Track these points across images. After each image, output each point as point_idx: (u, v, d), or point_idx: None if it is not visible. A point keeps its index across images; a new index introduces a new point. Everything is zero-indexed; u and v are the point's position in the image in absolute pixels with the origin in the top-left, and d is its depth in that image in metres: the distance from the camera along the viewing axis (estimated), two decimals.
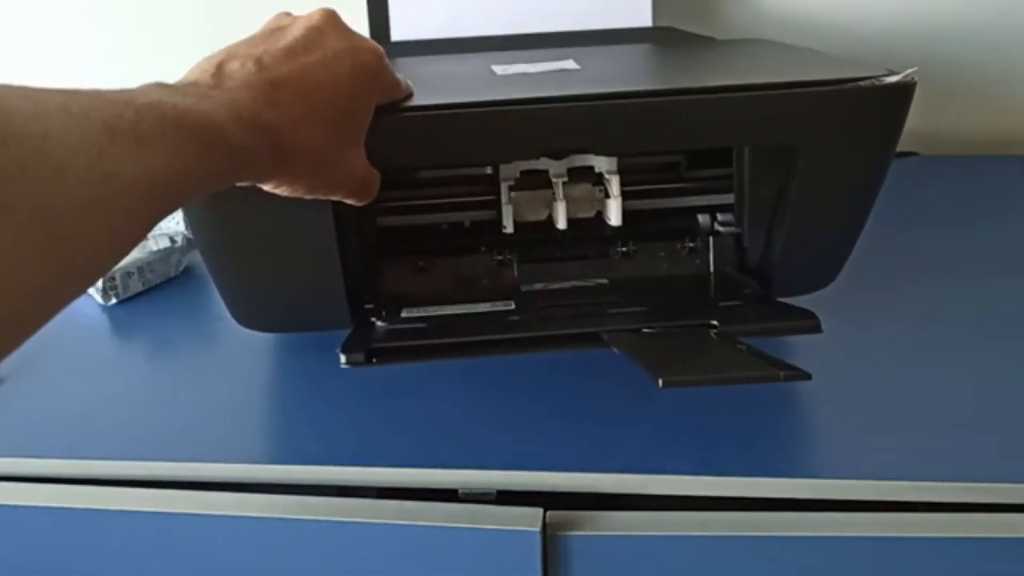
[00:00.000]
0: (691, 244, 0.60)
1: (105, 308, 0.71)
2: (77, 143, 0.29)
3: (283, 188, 0.44)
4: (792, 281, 0.59)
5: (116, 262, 0.33)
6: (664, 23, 0.76)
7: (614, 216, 0.56)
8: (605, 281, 0.60)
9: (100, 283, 0.66)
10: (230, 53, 0.42)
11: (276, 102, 0.40)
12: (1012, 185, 0.83)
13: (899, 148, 0.85)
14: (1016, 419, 0.58)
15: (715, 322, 0.50)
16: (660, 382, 0.41)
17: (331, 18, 0.46)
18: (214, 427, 0.60)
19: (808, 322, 0.50)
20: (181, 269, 0.74)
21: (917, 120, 0.92)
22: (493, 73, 0.58)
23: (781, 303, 0.55)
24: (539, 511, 0.53)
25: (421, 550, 0.54)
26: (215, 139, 0.37)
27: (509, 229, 0.57)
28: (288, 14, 0.47)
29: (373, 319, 0.55)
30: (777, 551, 0.53)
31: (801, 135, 0.51)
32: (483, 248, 0.60)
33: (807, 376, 0.42)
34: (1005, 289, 0.69)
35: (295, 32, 0.44)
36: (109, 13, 0.90)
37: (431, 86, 0.54)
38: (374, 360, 0.49)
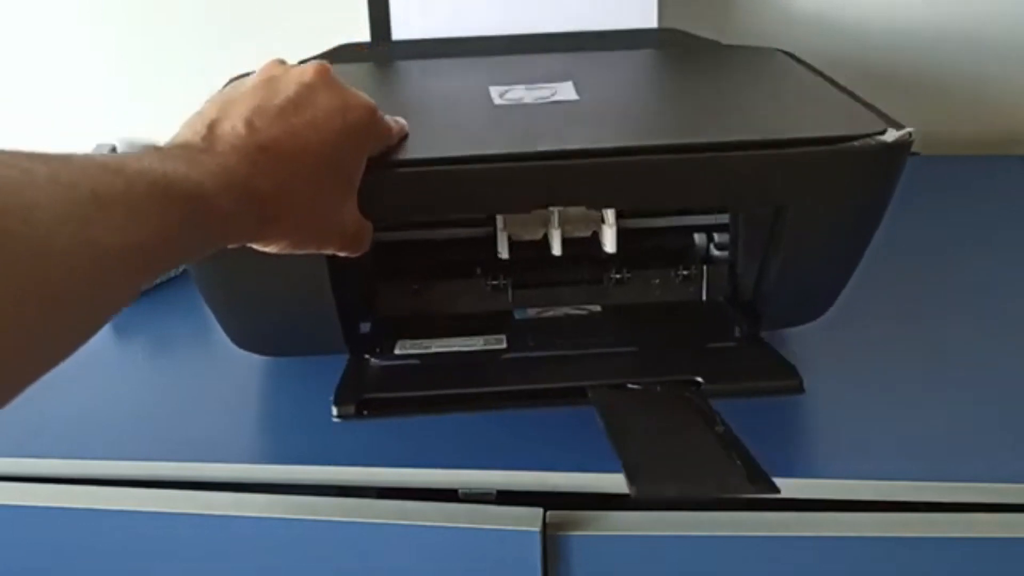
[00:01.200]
0: (685, 272, 0.60)
1: None
2: (64, 213, 0.30)
3: (271, 247, 0.44)
4: (783, 315, 0.59)
5: (101, 326, 0.34)
6: (670, 21, 0.75)
7: (609, 243, 0.56)
8: (598, 308, 0.60)
9: None
10: (222, 110, 0.42)
11: (264, 168, 0.40)
12: (1012, 185, 0.83)
13: None
14: (1016, 419, 0.58)
15: (699, 379, 0.50)
16: (632, 491, 0.42)
17: (323, 74, 0.45)
18: (214, 427, 0.60)
19: (790, 382, 0.50)
20: (181, 269, 0.74)
21: (917, 120, 0.92)
22: (491, 101, 0.57)
23: (767, 350, 0.54)
24: (539, 511, 0.53)
25: (421, 550, 0.54)
26: (203, 209, 0.37)
27: (504, 255, 0.58)
28: (282, 62, 0.47)
29: (367, 356, 0.55)
30: (777, 551, 0.53)
31: (794, 194, 0.51)
32: (478, 270, 0.60)
33: (776, 490, 0.43)
34: (1005, 289, 0.69)
35: (287, 90, 0.44)
36: (109, 13, 0.90)
37: (424, 122, 0.53)
38: (365, 413, 0.49)
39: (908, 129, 0.50)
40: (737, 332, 0.57)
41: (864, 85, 0.88)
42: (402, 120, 0.51)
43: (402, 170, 0.48)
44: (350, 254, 0.48)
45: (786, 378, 0.50)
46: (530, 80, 0.60)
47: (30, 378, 0.30)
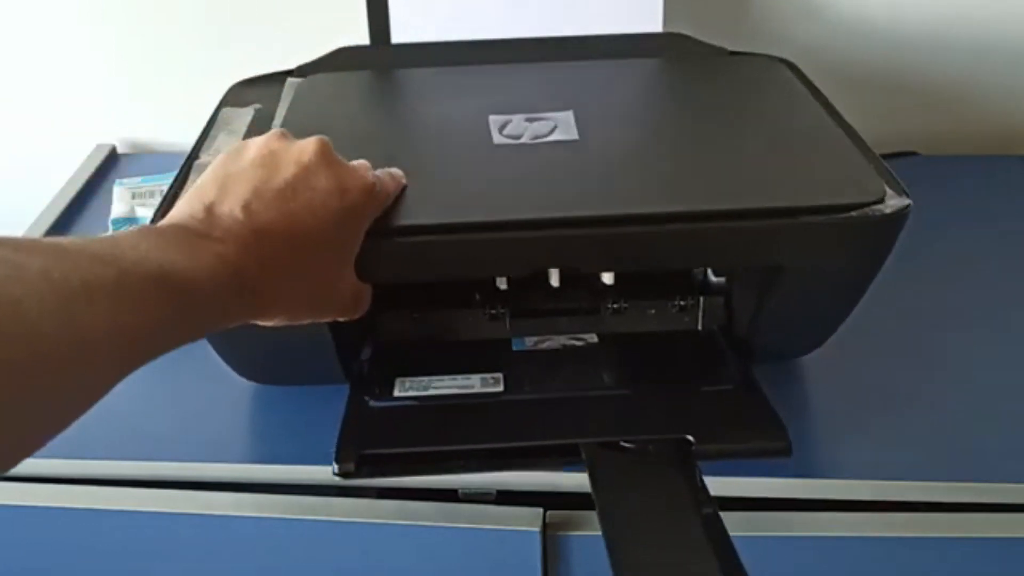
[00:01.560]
0: (681, 303, 0.60)
1: None
2: (52, 307, 0.31)
3: (268, 323, 0.45)
4: (776, 349, 0.59)
5: (86, 410, 0.34)
6: (675, 23, 0.75)
7: (607, 276, 0.56)
8: (595, 339, 0.60)
9: None
10: (221, 190, 0.42)
11: (260, 256, 0.41)
12: (1012, 185, 0.83)
13: (899, 148, 0.86)
14: (1016, 419, 0.58)
15: (690, 438, 0.50)
16: None
17: (322, 153, 0.45)
18: (214, 427, 0.60)
19: (778, 444, 0.50)
20: None
21: (917, 120, 0.92)
22: (490, 137, 0.57)
23: (760, 399, 0.54)
24: (539, 511, 0.53)
25: (421, 550, 0.54)
26: (199, 299, 0.38)
27: (503, 286, 0.58)
28: (284, 135, 0.47)
29: (367, 398, 0.55)
30: (777, 551, 0.53)
31: (791, 258, 0.51)
32: (477, 298, 0.60)
33: None
34: (1005, 289, 0.69)
35: (286, 171, 0.44)
36: (109, 13, 0.90)
37: (422, 170, 0.52)
38: (364, 471, 0.50)
39: (907, 201, 0.50)
40: (732, 366, 0.57)
41: (865, 85, 0.88)
42: (398, 173, 0.50)
43: (400, 239, 0.48)
44: (349, 318, 0.49)
45: (775, 440, 0.50)
46: (530, 106, 0.59)
47: (18, 459, 0.31)
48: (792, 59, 0.69)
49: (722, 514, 0.53)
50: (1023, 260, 0.73)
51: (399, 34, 0.76)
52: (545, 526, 0.53)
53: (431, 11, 0.75)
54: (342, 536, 0.54)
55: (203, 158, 0.59)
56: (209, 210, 0.41)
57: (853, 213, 0.49)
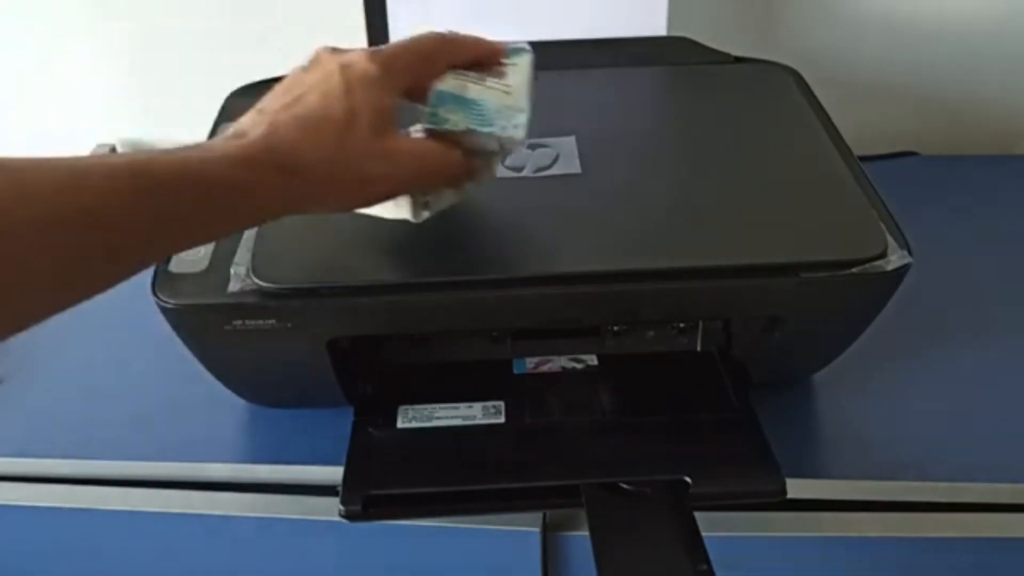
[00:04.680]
0: (681, 324, 0.60)
1: (106, 308, 0.70)
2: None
3: (325, 206, 0.44)
4: (774, 377, 0.59)
5: (66, 297, 0.36)
6: (678, 25, 0.75)
7: None
8: (595, 360, 0.60)
9: (407, 201, 0.50)
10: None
11: (269, 136, 0.41)
12: (1012, 185, 0.83)
13: (899, 148, 0.86)
14: (1016, 419, 0.58)
15: (688, 479, 0.50)
16: None
17: (329, 51, 0.46)
18: (214, 427, 0.60)
19: (773, 487, 0.50)
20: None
21: (917, 120, 0.92)
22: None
23: (757, 436, 0.54)
24: (539, 511, 0.53)
25: (421, 550, 0.54)
26: (199, 183, 0.39)
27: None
28: (331, 50, 0.46)
29: (370, 429, 0.56)
30: (777, 551, 0.53)
31: (791, 309, 0.52)
32: None
33: None
34: (1006, 289, 0.69)
35: (286, 82, 0.45)
36: (110, 13, 0.90)
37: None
38: (370, 511, 0.50)
39: (908, 260, 0.50)
40: (730, 395, 0.57)
41: (865, 85, 0.88)
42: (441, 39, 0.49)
43: (395, 297, 0.49)
44: (433, 182, 0.48)
45: (770, 482, 0.51)
46: (533, 130, 0.60)
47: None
48: (794, 59, 0.69)
49: (720, 514, 0.53)
50: (1023, 260, 0.73)
51: (397, 36, 0.75)
52: (545, 526, 0.53)
53: (430, 13, 0.75)
54: (342, 536, 0.54)
55: None
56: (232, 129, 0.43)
57: (854, 270, 0.49)
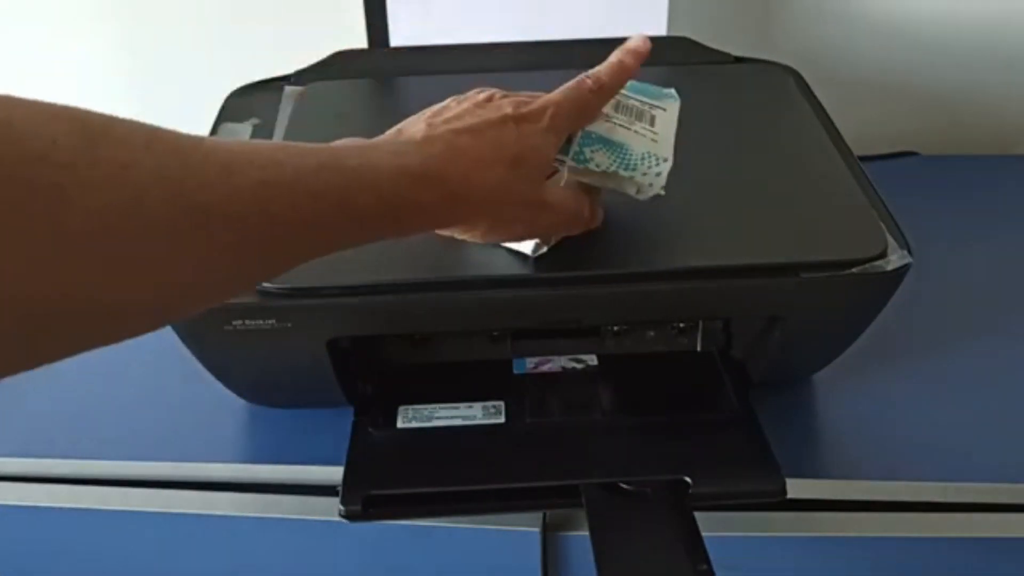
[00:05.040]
0: (681, 324, 0.60)
1: None
2: (172, 172, 0.31)
3: (467, 232, 0.46)
4: (774, 377, 0.59)
5: (209, 294, 0.34)
6: (679, 25, 0.75)
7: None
8: (595, 360, 0.60)
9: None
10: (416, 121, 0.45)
11: (445, 157, 0.42)
12: (1012, 185, 0.83)
13: (899, 148, 0.86)
14: (1016, 419, 0.58)
15: (688, 479, 0.50)
16: None
17: (501, 93, 0.47)
18: (214, 427, 0.60)
19: (774, 487, 0.50)
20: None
21: (917, 120, 0.92)
22: None
23: (757, 436, 0.54)
24: (539, 511, 0.53)
25: (421, 549, 0.54)
26: (380, 194, 0.38)
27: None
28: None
29: (371, 429, 0.56)
30: (777, 551, 0.53)
31: (792, 308, 0.52)
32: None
33: None
34: (1006, 289, 0.69)
35: (474, 118, 0.45)
36: (109, 13, 0.90)
37: None
38: (370, 511, 0.50)
39: (908, 260, 0.50)
40: (730, 395, 0.57)
41: (865, 86, 0.88)
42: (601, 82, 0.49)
43: (395, 297, 0.49)
44: (580, 229, 0.49)
45: (770, 482, 0.51)
46: None
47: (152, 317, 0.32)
48: (794, 59, 0.69)
49: (720, 514, 0.53)
50: (1023, 260, 0.73)
51: (397, 37, 0.75)
52: (545, 526, 0.53)
53: (430, 14, 0.75)
54: (342, 536, 0.54)
55: None
56: (400, 131, 0.44)
57: (854, 270, 0.49)
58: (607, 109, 0.50)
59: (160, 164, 0.30)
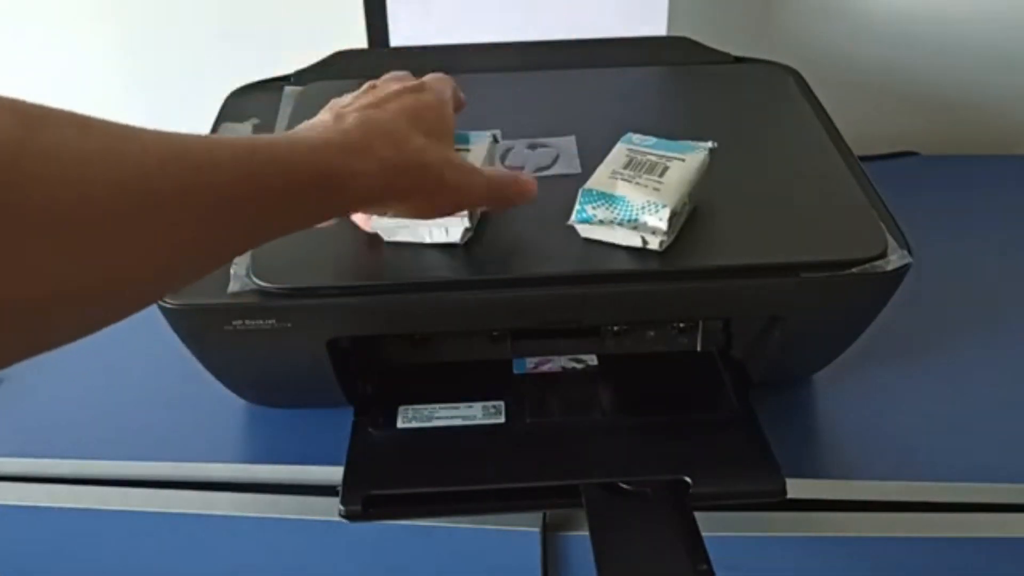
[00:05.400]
0: (681, 324, 0.60)
1: None
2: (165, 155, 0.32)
3: (408, 204, 0.45)
4: (774, 376, 0.59)
5: (159, 280, 0.34)
6: (679, 25, 0.75)
7: None
8: (595, 360, 0.60)
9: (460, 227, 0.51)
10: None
11: (365, 124, 0.42)
12: (1012, 185, 0.83)
13: (899, 148, 0.86)
14: (1016, 419, 0.58)
15: (688, 479, 0.50)
16: None
17: (381, 80, 0.49)
18: (214, 427, 0.60)
19: (773, 487, 0.51)
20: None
21: (917, 120, 0.92)
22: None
23: (757, 436, 0.54)
24: (539, 511, 0.53)
25: (421, 550, 0.54)
26: (310, 167, 0.39)
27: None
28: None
29: (371, 429, 0.56)
30: (777, 551, 0.53)
31: (792, 308, 0.52)
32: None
33: None
34: (1005, 289, 0.69)
35: (372, 97, 0.46)
36: (110, 13, 0.90)
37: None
38: (370, 511, 0.50)
39: (908, 260, 0.50)
40: (730, 395, 0.57)
41: (865, 85, 0.88)
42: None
43: (395, 297, 0.50)
44: (493, 202, 0.49)
45: (770, 483, 0.51)
46: (534, 127, 0.60)
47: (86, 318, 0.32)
48: (794, 59, 0.69)
49: (720, 514, 0.53)
50: (1023, 260, 0.73)
51: (397, 37, 0.75)
52: (545, 526, 0.53)
53: (431, 13, 0.74)
54: (342, 536, 0.54)
55: None
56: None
57: (854, 270, 0.49)
58: (615, 166, 0.51)
59: (103, 148, 0.31)
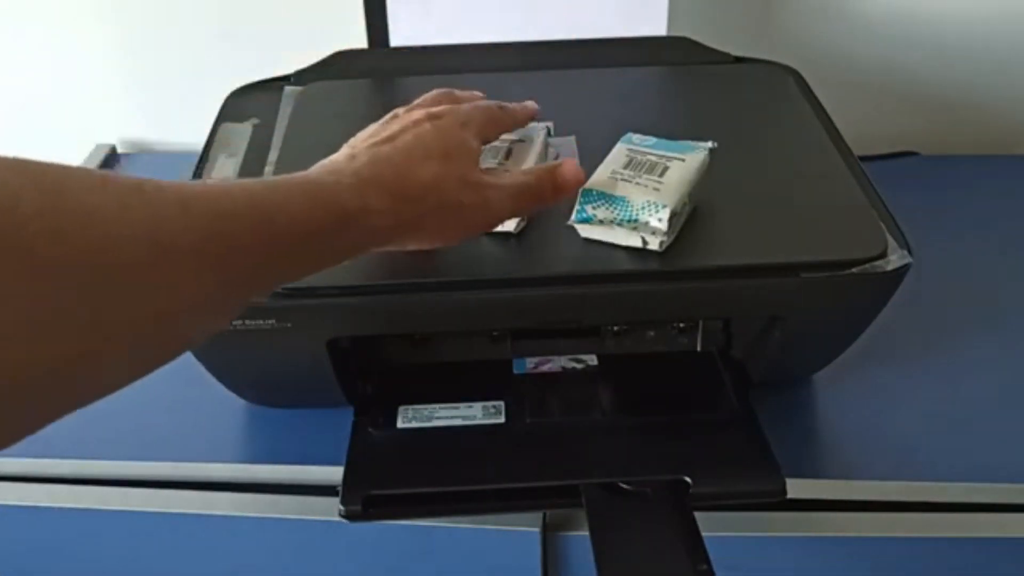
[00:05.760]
0: (681, 324, 0.60)
1: None
2: (138, 215, 0.31)
3: (426, 237, 0.45)
4: (774, 377, 0.59)
5: (197, 321, 0.34)
6: (679, 24, 0.74)
7: None
8: (595, 360, 0.60)
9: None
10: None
11: (375, 164, 0.43)
12: (1012, 185, 0.83)
13: (899, 148, 0.86)
14: (1016, 419, 0.58)
15: (688, 479, 0.50)
16: None
17: (405, 109, 0.49)
18: (214, 427, 0.60)
19: (773, 487, 0.51)
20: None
21: (917, 120, 0.92)
22: None
23: (756, 436, 0.54)
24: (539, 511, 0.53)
25: (421, 550, 0.54)
26: (320, 209, 0.39)
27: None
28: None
29: (371, 429, 0.56)
30: (777, 551, 0.53)
31: (792, 308, 0.52)
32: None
33: None
34: (1005, 288, 0.69)
35: (388, 131, 0.46)
36: (109, 13, 0.90)
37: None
38: (370, 511, 0.50)
39: (908, 260, 0.50)
40: (730, 395, 0.57)
41: (865, 85, 0.88)
42: (508, 108, 0.51)
43: (395, 297, 0.50)
44: (519, 214, 0.50)
45: (770, 483, 0.51)
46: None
47: (100, 379, 0.32)
48: (794, 59, 0.69)
49: (720, 514, 0.53)
50: (1023, 260, 0.73)
51: (397, 37, 0.75)
52: (545, 526, 0.53)
53: (430, 14, 0.74)
54: (342, 536, 0.54)
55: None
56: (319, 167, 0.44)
57: (854, 270, 0.49)
58: (615, 166, 0.51)
59: (122, 205, 0.30)
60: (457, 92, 0.52)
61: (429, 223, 0.44)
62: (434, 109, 0.48)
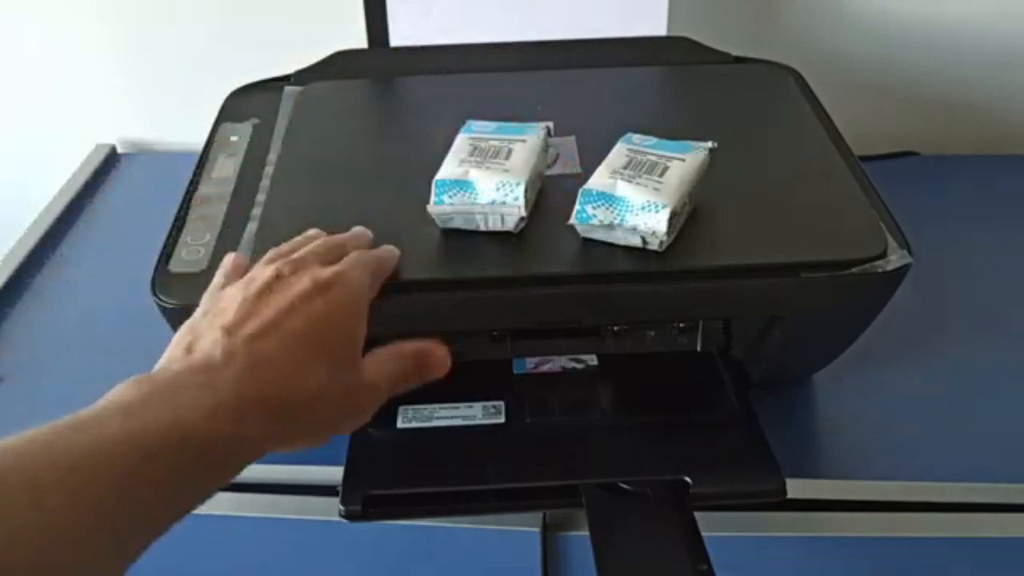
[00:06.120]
0: (681, 324, 0.60)
1: (106, 308, 0.70)
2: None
3: (312, 440, 0.42)
4: (774, 377, 0.59)
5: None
6: (679, 24, 0.74)
7: None
8: (595, 360, 0.60)
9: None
10: (196, 333, 0.40)
11: (256, 375, 0.38)
12: (1012, 185, 0.83)
13: (899, 148, 0.86)
14: (1016, 419, 0.58)
15: (688, 479, 0.50)
16: None
17: (290, 264, 0.43)
18: None
19: (773, 487, 0.50)
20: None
21: (917, 120, 0.92)
22: None
23: (757, 436, 0.54)
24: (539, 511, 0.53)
25: (421, 550, 0.54)
26: (193, 450, 0.36)
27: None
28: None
29: (370, 428, 0.55)
30: (777, 551, 0.53)
31: (792, 309, 0.52)
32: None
33: None
34: (1005, 289, 0.69)
35: (275, 305, 0.41)
36: (109, 13, 0.91)
37: (423, 202, 0.52)
38: (370, 511, 0.50)
39: (908, 260, 0.50)
40: (730, 395, 0.57)
41: (865, 85, 0.88)
42: (393, 251, 0.48)
43: (395, 297, 0.49)
44: (412, 381, 0.46)
45: (770, 483, 0.51)
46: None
47: None
48: (794, 59, 0.69)
49: (720, 514, 0.53)
50: (1023, 260, 0.73)
51: (397, 37, 0.75)
52: (545, 526, 0.53)
53: (431, 13, 0.74)
54: (342, 536, 0.54)
55: (203, 189, 0.59)
56: (189, 348, 0.40)
57: (854, 270, 0.49)
58: (615, 166, 0.51)
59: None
60: (337, 237, 0.47)
61: (313, 430, 0.41)
62: (321, 274, 0.42)
